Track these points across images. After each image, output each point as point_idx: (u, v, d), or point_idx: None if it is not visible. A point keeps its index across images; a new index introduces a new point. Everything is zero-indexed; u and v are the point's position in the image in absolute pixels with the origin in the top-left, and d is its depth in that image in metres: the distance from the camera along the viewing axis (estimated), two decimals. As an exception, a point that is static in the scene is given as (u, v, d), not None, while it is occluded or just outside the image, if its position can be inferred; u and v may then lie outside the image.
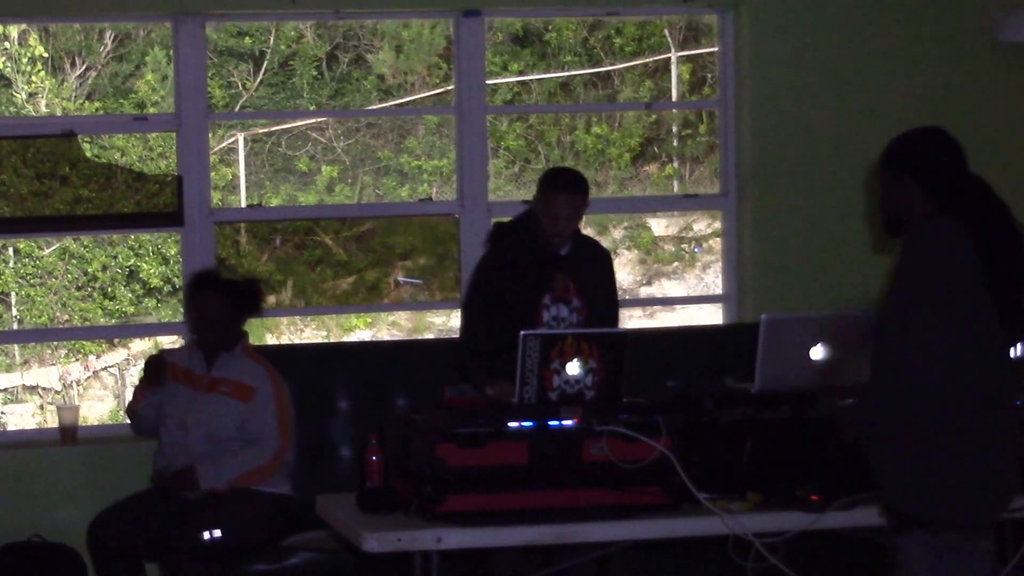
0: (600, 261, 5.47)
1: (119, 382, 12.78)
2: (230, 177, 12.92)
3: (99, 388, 12.82)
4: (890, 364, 3.73)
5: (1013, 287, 3.77)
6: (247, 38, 13.07)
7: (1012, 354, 4.01)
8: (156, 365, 5.78)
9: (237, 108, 12.77)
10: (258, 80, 13.12)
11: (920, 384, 3.69)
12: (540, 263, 5.28)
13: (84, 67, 12.94)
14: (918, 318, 3.69)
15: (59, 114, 12.17)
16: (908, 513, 3.82)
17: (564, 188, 5.24)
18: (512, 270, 5.29)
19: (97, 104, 12.74)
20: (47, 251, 12.59)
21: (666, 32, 13.33)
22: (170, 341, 6.90)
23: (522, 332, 4.51)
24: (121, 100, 12.72)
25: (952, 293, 3.71)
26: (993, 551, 3.90)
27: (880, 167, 3.93)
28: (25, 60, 12.54)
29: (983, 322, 3.75)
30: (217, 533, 5.38)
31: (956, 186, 3.82)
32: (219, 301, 5.70)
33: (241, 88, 13.13)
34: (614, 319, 5.44)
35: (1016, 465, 3.93)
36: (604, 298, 5.40)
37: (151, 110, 12.12)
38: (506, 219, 5.69)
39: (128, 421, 5.98)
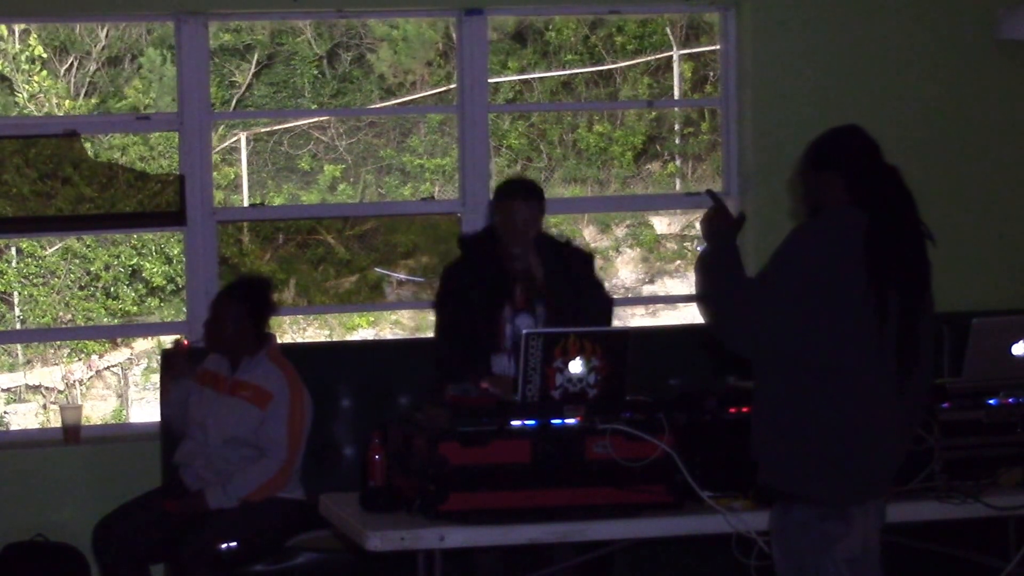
0: (572, 262, 5.50)
1: (122, 381, 12.79)
2: (232, 176, 12.94)
3: (102, 387, 12.82)
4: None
5: (896, 277, 3.91)
6: (242, 34, 13.07)
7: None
8: (171, 356, 5.84)
9: (234, 104, 12.77)
10: (250, 73, 13.12)
11: (753, 317, 3.98)
12: (499, 278, 5.37)
13: (85, 67, 12.94)
14: (782, 281, 3.92)
15: (60, 114, 12.17)
16: (763, 483, 4.03)
17: (521, 195, 5.37)
18: (475, 285, 5.38)
19: (98, 103, 12.75)
20: (50, 251, 12.60)
21: (668, 30, 13.34)
22: (172, 340, 6.89)
23: (524, 331, 4.52)
24: (121, 100, 12.73)
25: (821, 274, 3.87)
26: (850, 534, 3.94)
27: (803, 166, 4.10)
28: (25, 60, 12.55)
29: (852, 310, 3.87)
30: (233, 544, 5.38)
31: (871, 180, 3.99)
32: (235, 308, 5.65)
33: (243, 89, 13.13)
34: (602, 315, 5.45)
35: (880, 459, 4.00)
36: (581, 294, 5.41)
37: (146, 110, 12.11)
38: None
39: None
